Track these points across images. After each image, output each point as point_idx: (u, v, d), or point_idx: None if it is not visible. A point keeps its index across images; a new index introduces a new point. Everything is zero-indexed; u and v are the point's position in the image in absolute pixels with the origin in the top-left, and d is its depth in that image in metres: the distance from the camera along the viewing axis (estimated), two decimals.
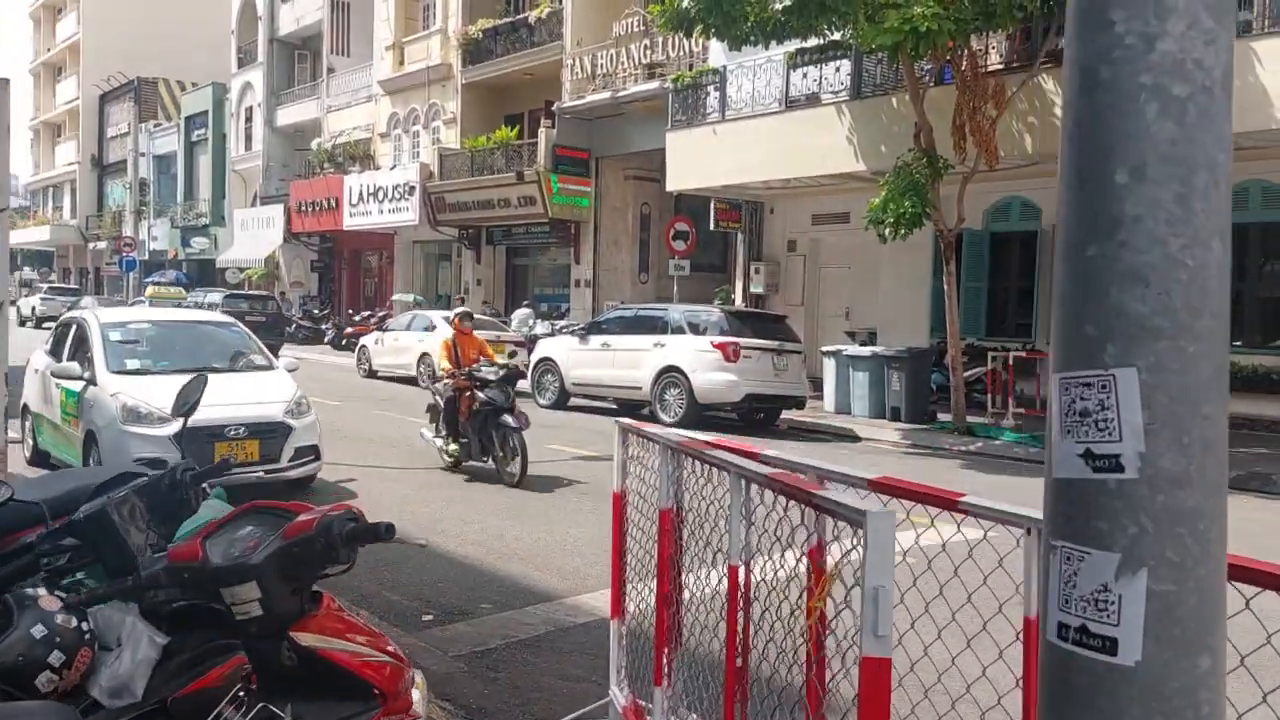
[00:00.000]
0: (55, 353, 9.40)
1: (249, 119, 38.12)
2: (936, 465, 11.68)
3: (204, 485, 2.76)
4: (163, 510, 2.65)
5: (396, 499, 8.47)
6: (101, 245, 50.25)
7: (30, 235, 58.97)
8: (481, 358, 10.25)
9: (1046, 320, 16.35)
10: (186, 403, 3.09)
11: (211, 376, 8.58)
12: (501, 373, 9.86)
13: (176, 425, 7.77)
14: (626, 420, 3.70)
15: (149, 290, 33.46)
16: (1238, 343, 14.51)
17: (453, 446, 10.01)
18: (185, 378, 8.40)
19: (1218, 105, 1.04)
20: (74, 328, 9.29)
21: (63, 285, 49.20)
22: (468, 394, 9.79)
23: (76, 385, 8.45)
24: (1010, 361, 14.07)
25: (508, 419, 9.39)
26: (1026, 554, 2.26)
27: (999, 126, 12.86)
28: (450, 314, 8.68)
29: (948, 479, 10.61)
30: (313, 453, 8.53)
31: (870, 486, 2.63)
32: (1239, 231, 14.47)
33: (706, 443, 3.19)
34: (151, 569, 2.14)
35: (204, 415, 7.97)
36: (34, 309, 38.27)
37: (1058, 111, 13.22)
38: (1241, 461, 11.37)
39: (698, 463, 2.95)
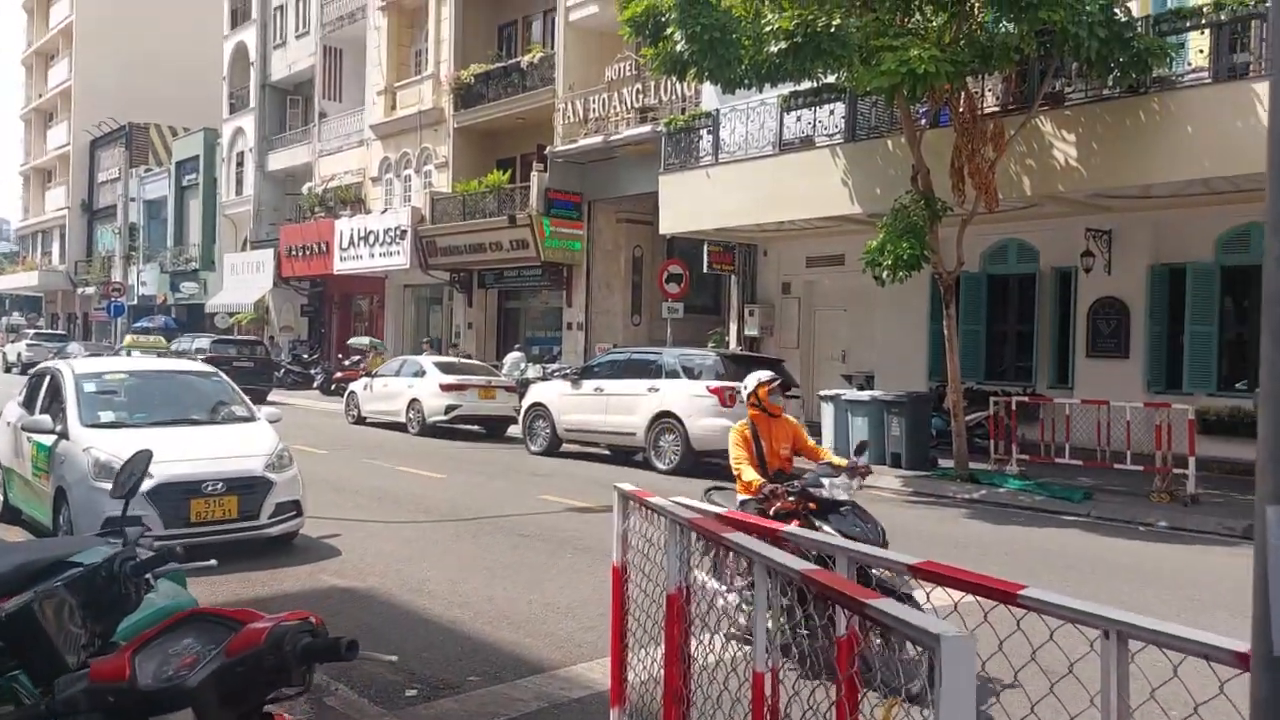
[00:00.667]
0: (29, 404, 9.03)
1: (240, 164, 38.01)
2: (942, 515, 11.33)
3: (147, 576, 2.41)
4: (100, 605, 2.31)
5: (382, 557, 8.09)
6: (90, 290, 49.90)
7: (19, 280, 58.66)
8: (801, 453, 6.41)
9: (1046, 363, 16.13)
10: (127, 484, 2.75)
11: (190, 429, 8.37)
12: (855, 484, 5.83)
13: (151, 483, 7.44)
14: (627, 486, 3.36)
15: (127, 339, 32.97)
16: (1243, 385, 14.27)
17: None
18: (163, 431, 8.16)
19: None
20: (48, 378, 8.93)
21: (50, 331, 48.75)
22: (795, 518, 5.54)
23: (48, 439, 8.09)
24: (1013, 406, 13.76)
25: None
26: (1104, 660, 1.93)
27: (998, 168, 12.68)
28: (746, 384, 6.22)
29: (954, 530, 10.26)
30: (294, 508, 8.16)
31: (913, 573, 2.31)
32: (1243, 273, 14.31)
33: (719, 518, 2.87)
34: (69, 690, 1.79)
35: (180, 470, 7.70)
36: (20, 355, 37.78)
37: (1056, 153, 13.15)
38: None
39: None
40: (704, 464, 14.10)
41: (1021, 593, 2.06)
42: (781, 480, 5.91)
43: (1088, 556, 9.01)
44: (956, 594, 2.19)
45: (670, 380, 14.32)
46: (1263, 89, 11.26)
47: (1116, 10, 11.59)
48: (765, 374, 6.43)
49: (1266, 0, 11.40)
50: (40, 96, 58.19)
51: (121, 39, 49.48)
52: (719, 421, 13.55)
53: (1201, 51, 12.15)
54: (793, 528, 2.63)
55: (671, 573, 2.75)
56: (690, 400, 13.85)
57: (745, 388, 6.39)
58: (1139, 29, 11.83)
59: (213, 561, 2.81)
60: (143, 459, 2.81)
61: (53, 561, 2.50)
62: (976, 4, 11.74)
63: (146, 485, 7.38)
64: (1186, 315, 14.65)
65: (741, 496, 5.97)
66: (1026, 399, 14.38)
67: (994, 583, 2.12)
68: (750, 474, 5.91)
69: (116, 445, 7.66)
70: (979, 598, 2.14)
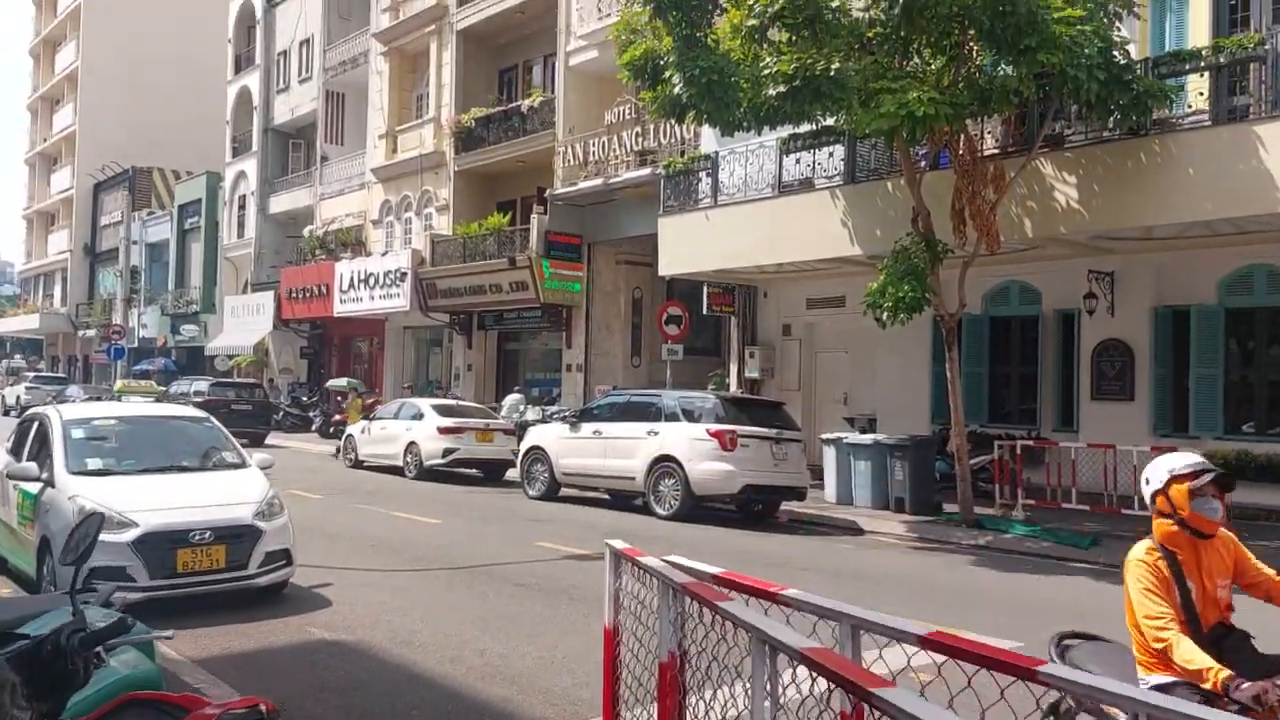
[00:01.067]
0: (16, 451, 8.86)
1: (242, 207, 38.14)
2: (949, 562, 11.11)
3: (98, 650, 2.24)
4: (45, 681, 2.14)
5: (373, 607, 7.88)
6: (91, 333, 49.88)
7: (20, 323, 58.69)
8: (1249, 587, 4.02)
9: (1051, 406, 15.95)
10: (77, 549, 2.58)
11: (179, 476, 8.19)
12: None
13: (136, 532, 7.27)
14: (618, 544, 3.20)
15: (119, 384, 32.76)
16: (1250, 428, 14.09)
17: None
18: (151, 478, 7.99)
19: None
20: (36, 424, 8.76)
21: (49, 374, 48.66)
22: None
23: (34, 487, 7.92)
24: (1018, 450, 13.58)
25: None
26: None
27: (999, 210, 12.62)
28: (1151, 477, 3.79)
29: (962, 579, 10.04)
30: (284, 557, 7.96)
31: (922, 644, 2.14)
32: (1247, 315, 14.19)
33: (715, 578, 2.70)
34: None
35: (168, 519, 7.52)
36: (19, 398, 37.64)
37: (1057, 195, 13.09)
38: (1268, 555, 10.82)
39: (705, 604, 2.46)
40: (705, 509, 13.90)
41: (1040, 669, 1.89)
42: (1224, 641, 3.65)
43: (1099, 607, 8.77)
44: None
45: (670, 423, 14.15)
46: (1264, 131, 11.24)
47: (1115, 53, 11.58)
48: (1187, 460, 3.82)
49: (1265, 44, 11.41)
50: (45, 141, 58.64)
51: (126, 84, 49.95)
52: (720, 465, 13.38)
53: (1201, 94, 12.13)
54: (795, 592, 2.46)
55: (664, 639, 2.58)
56: (691, 444, 13.67)
57: (1149, 483, 3.83)
58: (1138, 71, 11.82)
59: (170, 633, 2.63)
60: (93, 523, 2.65)
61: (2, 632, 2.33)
62: (974, 47, 11.74)
63: (132, 535, 7.22)
64: (1191, 358, 14.51)
65: (1161, 678, 3.54)
66: (1031, 442, 14.19)
67: (1010, 657, 1.95)
68: (1190, 652, 3.40)
69: (103, 493, 7.50)
70: None
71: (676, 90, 12.33)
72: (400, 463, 18.98)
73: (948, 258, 12.84)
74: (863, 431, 16.11)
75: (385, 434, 19.77)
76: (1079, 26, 10.74)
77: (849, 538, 13.01)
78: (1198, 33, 13.52)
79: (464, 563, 9.95)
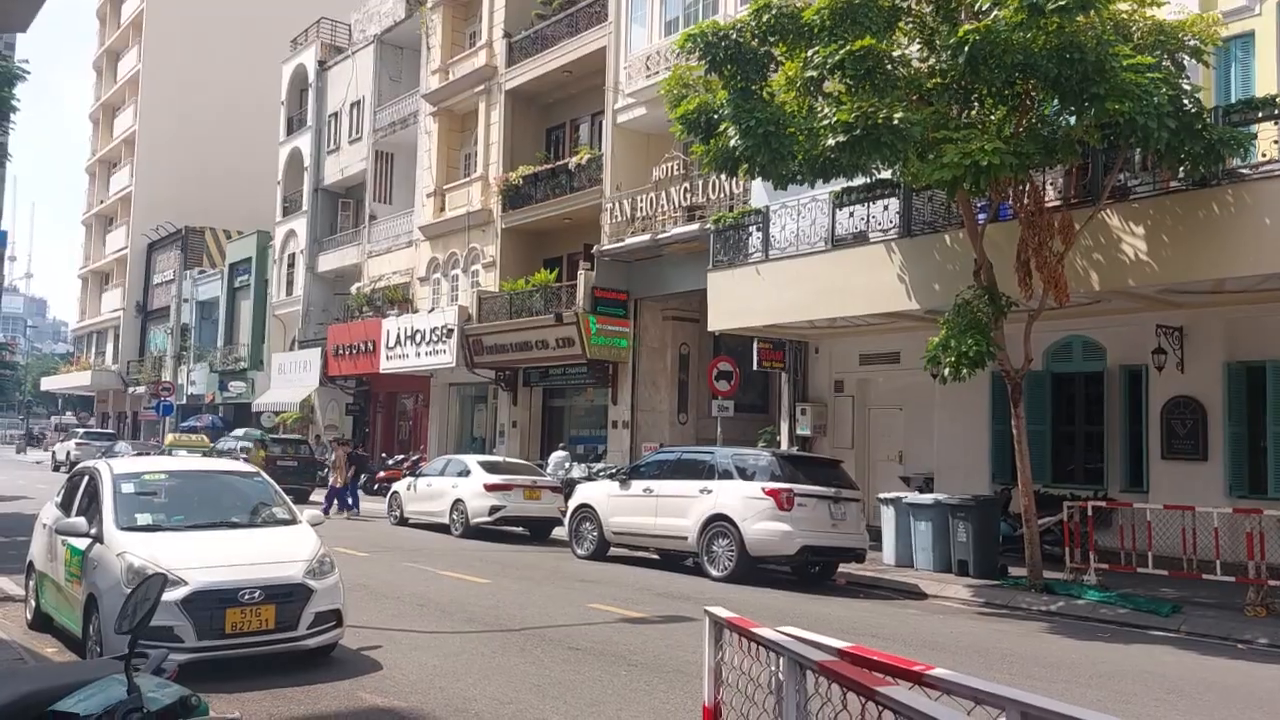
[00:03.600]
0: (66, 506, 8.73)
1: (291, 265, 38.66)
2: (1021, 629, 10.56)
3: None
4: None
5: (425, 671, 7.55)
6: (140, 389, 50.58)
7: (72, 380, 59.78)
8: None
9: (1118, 465, 15.36)
10: (135, 615, 2.29)
11: (228, 532, 7.97)
12: None
13: (185, 590, 7.04)
14: (721, 611, 2.88)
15: (168, 439, 32.98)
16: None
17: None
18: (201, 534, 7.78)
19: None
20: (85, 479, 8.63)
21: (99, 429, 49.29)
22: None
23: (82, 543, 7.74)
24: (1089, 511, 13.00)
25: None
26: None
27: (1065, 262, 12.25)
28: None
29: (1037, 647, 9.50)
30: (334, 618, 7.68)
31: None
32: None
33: (842, 653, 2.38)
34: None
35: (217, 577, 7.27)
36: (69, 454, 38.05)
37: (1125, 247, 12.68)
38: None
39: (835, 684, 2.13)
40: (760, 571, 13.44)
41: None
42: None
43: (1191, 679, 8.23)
44: None
45: (723, 481, 13.77)
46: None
47: (1186, 101, 11.26)
48: None
49: None
50: (101, 203, 60.20)
51: (181, 147, 51.23)
52: (777, 525, 12.96)
53: (1276, 143, 11.74)
54: (943, 671, 2.13)
55: None
56: (745, 502, 13.26)
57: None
58: (1209, 120, 11.48)
59: (235, 715, 2.36)
60: (154, 585, 2.39)
61: (48, 702, 2.07)
62: (1038, 96, 11.48)
63: (180, 593, 6.98)
64: (1268, 415, 13.90)
65: None
66: (1104, 503, 13.61)
67: None
68: None
69: (152, 549, 7.30)
70: None
71: (733, 143, 12.17)
72: (446, 520, 18.72)
73: (1011, 311, 12.46)
74: (920, 491, 15.60)
75: (431, 490, 19.54)
76: (1148, 74, 10.45)
77: (912, 602, 12.47)
78: (1265, 80, 13.18)
79: (515, 625, 9.60)
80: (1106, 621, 10.97)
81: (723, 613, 2.82)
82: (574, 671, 7.70)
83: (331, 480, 22.46)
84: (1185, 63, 12.06)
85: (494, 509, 17.95)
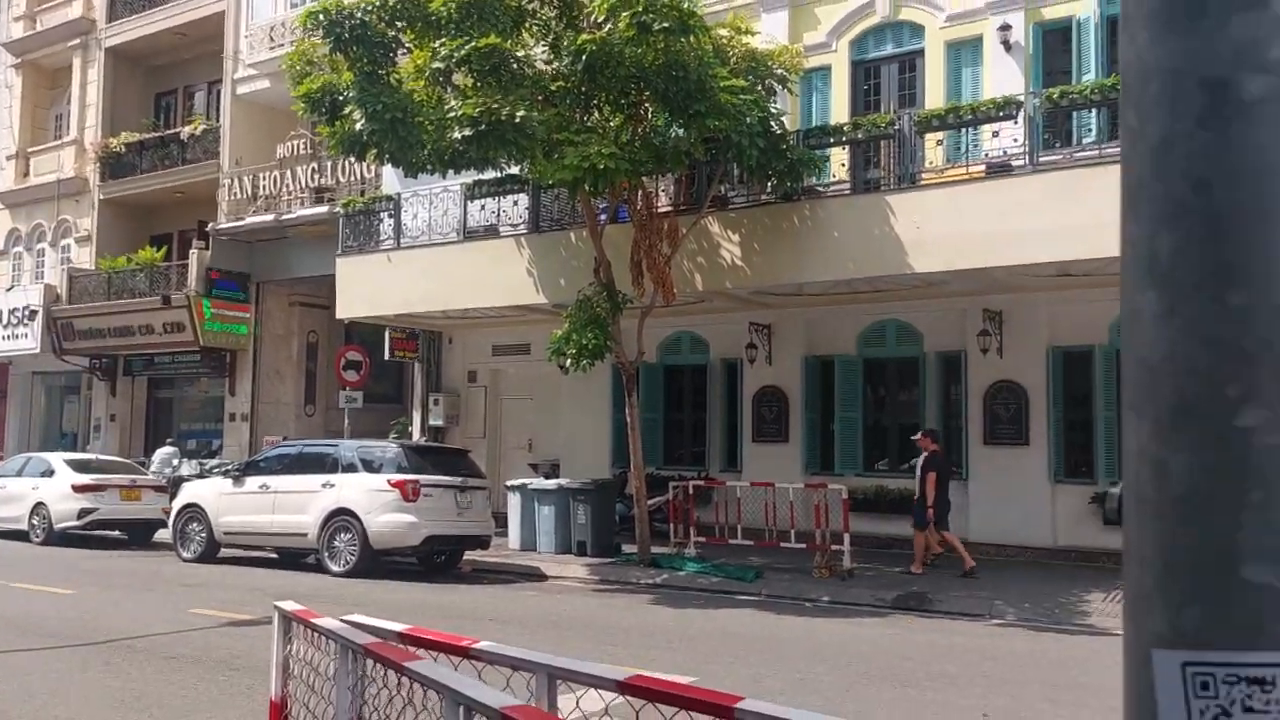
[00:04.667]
0: None
1: None
2: (628, 602, 11.35)
3: None
4: None
5: None
6: None
7: None
8: None
9: (718, 448, 16.96)
10: None
11: None
12: None
13: None
14: (288, 605, 2.88)
15: None
16: (884, 465, 15.75)
17: None
18: None
19: None
20: None
21: None
22: None
23: None
24: (690, 490, 14.25)
25: None
26: None
27: (673, 264, 13.30)
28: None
29: (640, 618, 10.27)
30: None
31: (621, 689, 2.07)
32: (880, 365, 15.91)
33: (401, 635, 2.49)
34: None
35: None
36: None
37: (723, 252, 14.01)
38: (901, 582, 12.08)
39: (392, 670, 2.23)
40: (384, 564, 13.29)
41: (737, 705, 1.87)
42: None
43: (765, 637, 9.33)
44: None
45: (348, 474, 13.44)
46: (894, 200, 12.74)
47: (773, 124, 12.67)
48: None
49: (894, 124, 12.98)
50: None
51: None
52: (402, 517, 12.88)
53: (843, 165, 13.57)
54: (487, 644, 2.31)
55: (341, 709, 2.32)
56: (370, 495, 13.05)
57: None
58: (791, 141, 13.00)
59: None
60: None
61: None
62: (650, 108, 12.37)
63: None
64: (836, 403, 16.03)
65: None
66: (702, 483, 14.96)
67: (709, 695, 1.92)
68: None
69: None
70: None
71: (358, 126, 11.89)
72: (25, 526, 16.54)
73: (627, 307, 13.32)
74: (547, 477, 16.22)
75: (6, 494, 17.15)
76: (742, 96, 11.63)
77: (533, 584, 12.96)
78: (840, 109, 15.18)
79: (102, 637, 8.74)
80: (702, 590, 12.09)
81: (289, 605, 2.82)
82: (166, 681, 7.18)
83: None
84: (776, 89, 13.57)
85: (84, 512, 16.13)
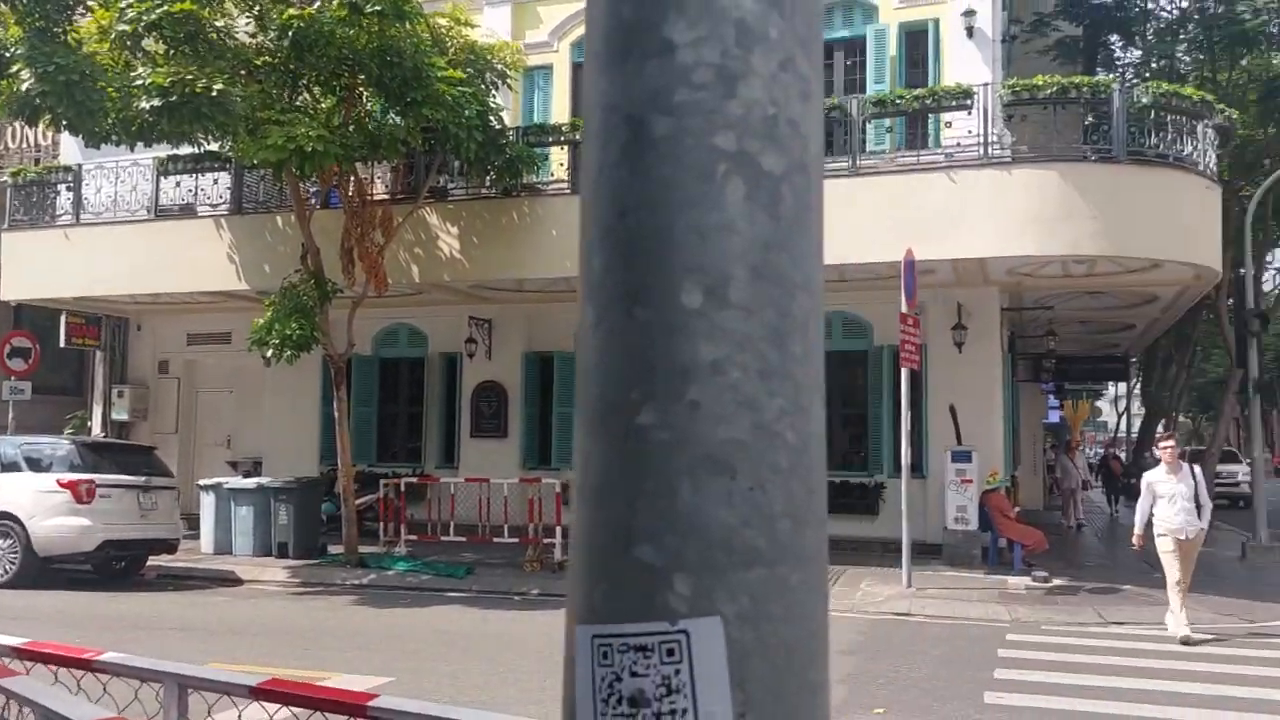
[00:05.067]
0: None
1: None
2: (329, 604, 10.94)
3: None
4: None
5: None
6: None
7: None
8: None
9: (435, 444, 16.71)
10: None
11: None
12: None
13: None
14: None
15: None
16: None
17: None
18: None
19: (815, 194, 0.70)
20: None
21: None
22: None
23: None
24: (402, 487, 13.94)
25: None
26: None
27: (387, 254, 12.95)
28: None
29: (340, 620, 9.94)
30: None
31: (255, 695, 1.98)
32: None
33: (16, 650, 2.25)
34: None
35: None
36: None
37: (441, 244, 13.82)
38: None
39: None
40: (53, 572, 11.99)
41: (371, 703, 1.85)
42: None
43: (472, 632, 9.30)
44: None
45: (10, 474, 12.02)
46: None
47: (492, 118, 12.65)
48: None
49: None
50: None
51: None
52: (73, 520, 11.69)
53: (562, 164, 13.78)
54: (115, 655, 2.14)
55: None
56: (36, 497, 11.73)
57: None
58: (510, 137, 13.04)
59: None
60: None
61: None
62: (365, 92, 11.97)
63: None
64: (554, 399, 16.26)
65: None
66: (416, 479, 14.69)
67: (341, 695, 1.89)
68: None
69: None
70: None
71: (25, 86, 10.64)
72: None
73: (337, 297, 12.82)
74: (247, 476, 15.29)
75: None
76: (460, 88, 11.52)
77: (226, 589, 12.17)
78: (561, 109, 15.38)
79: None
80: (411, 588, 11.86)
81: None
82: None
83: None
84: (496, 84, 13.54)
85: None
